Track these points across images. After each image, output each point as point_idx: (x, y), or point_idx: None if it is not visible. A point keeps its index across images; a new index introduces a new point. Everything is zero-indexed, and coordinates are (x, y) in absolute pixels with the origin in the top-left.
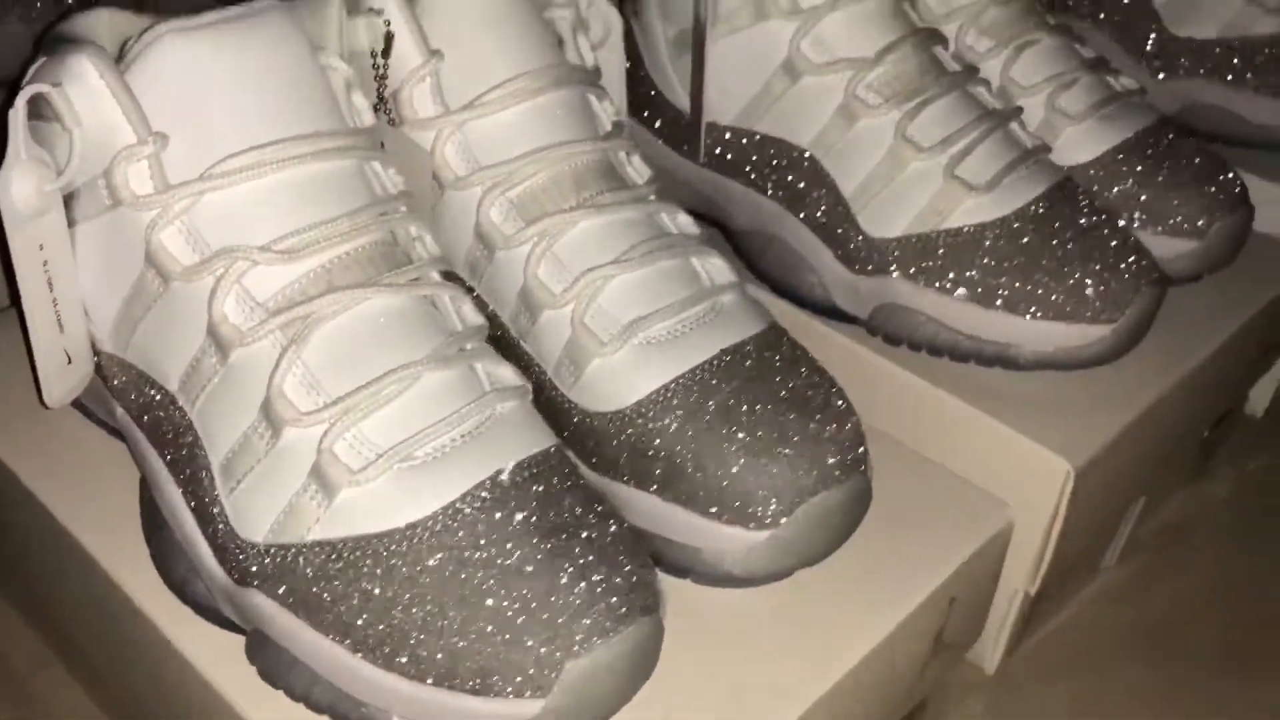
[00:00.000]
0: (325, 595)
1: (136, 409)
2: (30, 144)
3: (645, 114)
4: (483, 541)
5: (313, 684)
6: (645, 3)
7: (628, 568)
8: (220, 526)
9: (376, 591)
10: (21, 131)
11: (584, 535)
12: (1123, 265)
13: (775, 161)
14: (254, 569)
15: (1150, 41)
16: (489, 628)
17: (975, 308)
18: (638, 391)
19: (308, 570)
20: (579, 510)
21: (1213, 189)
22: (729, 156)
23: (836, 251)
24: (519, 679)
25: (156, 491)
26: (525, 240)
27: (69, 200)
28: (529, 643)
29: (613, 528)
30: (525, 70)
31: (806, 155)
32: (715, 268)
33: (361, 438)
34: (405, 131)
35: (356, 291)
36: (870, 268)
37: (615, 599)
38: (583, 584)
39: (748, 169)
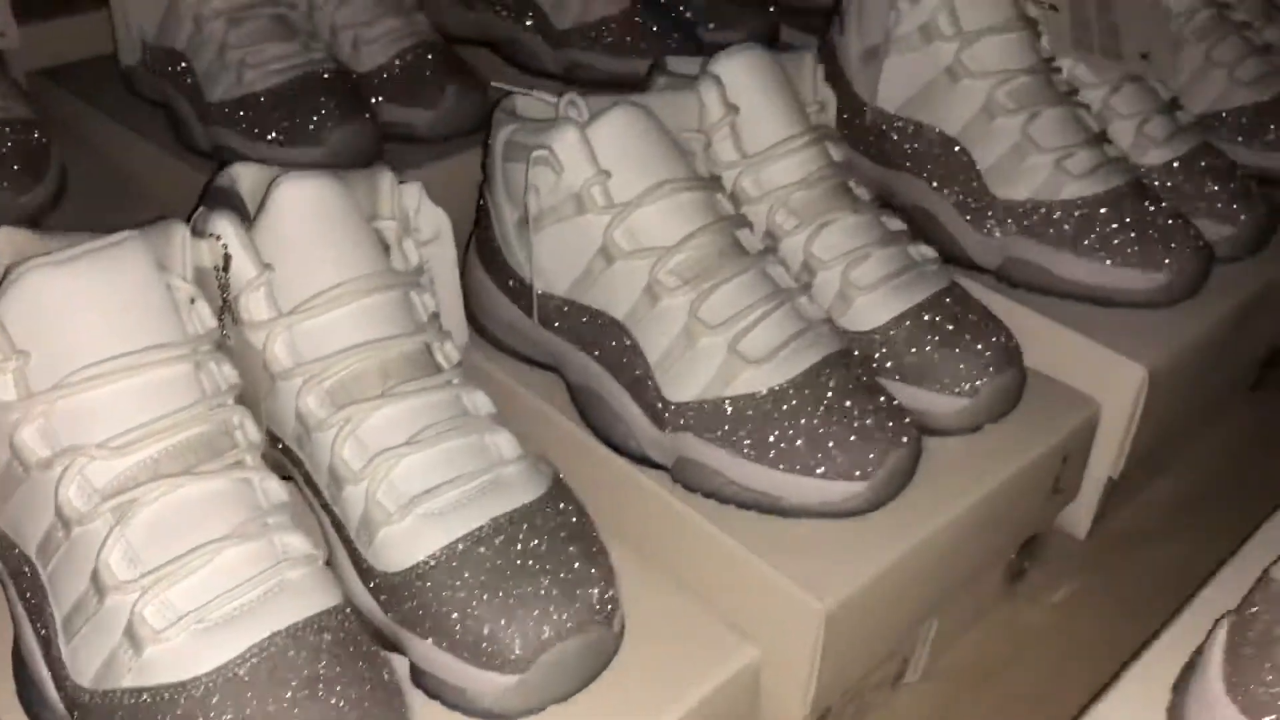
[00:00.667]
0: None
1: (8, 565)
2: None
3: (498, 275)
4: (251, 695)
5: None
6: (494, 187)
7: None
8: (61, 669)
9: None
10: None
11: (346, 688)
12: (878, 428)
13: (598, 330)
14: (83, 705)
15: (974, 201)
16: None
17: (752, 465)
18: (415, 555)
19: (119, 711)
20: (344, 665)
21: (986, 350)
22: (559, 323)
23: (645, 411)
24: None
25: (19, 635)
26: (333, 425)
27: None
28: None
29: (370, 684)
30: (350, 277)
31: (621, 326)
32: (504, 442)
33: (168, 603)
34: (243, 332)
35: (173, 480)
36: (669, 428)
37: None
38: None
39: (576, 334)
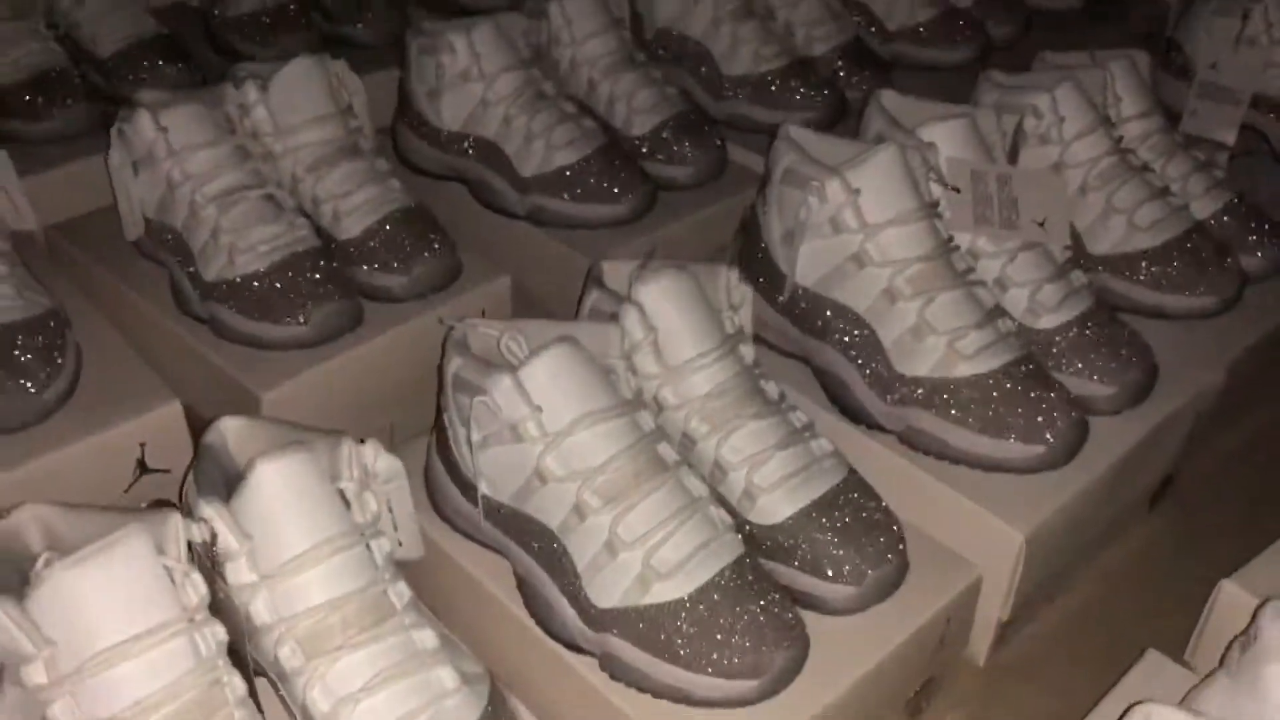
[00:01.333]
0: None
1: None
2: None
3: (454, 476)
4: None
5: None
6: (448, 408)
7: None
8: None
9: None
10: None
11: None
12: (771, 631)
13: (534, 534)
14: None
15: (880, 373)
16: None
17: (665, 664)
18: None
19: None
20: None
21: (870, 546)
22: (502, 524)
23: (575, 610)
24: None
25: None
26: (304, 673)
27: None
28: None
29: None
30: (319, 540)
31: (554, 535)
32: (445, 676)
33: None
34: (229, 591)
35: None
36: (596, 628)
37: None
38: None
39: (517, 533)
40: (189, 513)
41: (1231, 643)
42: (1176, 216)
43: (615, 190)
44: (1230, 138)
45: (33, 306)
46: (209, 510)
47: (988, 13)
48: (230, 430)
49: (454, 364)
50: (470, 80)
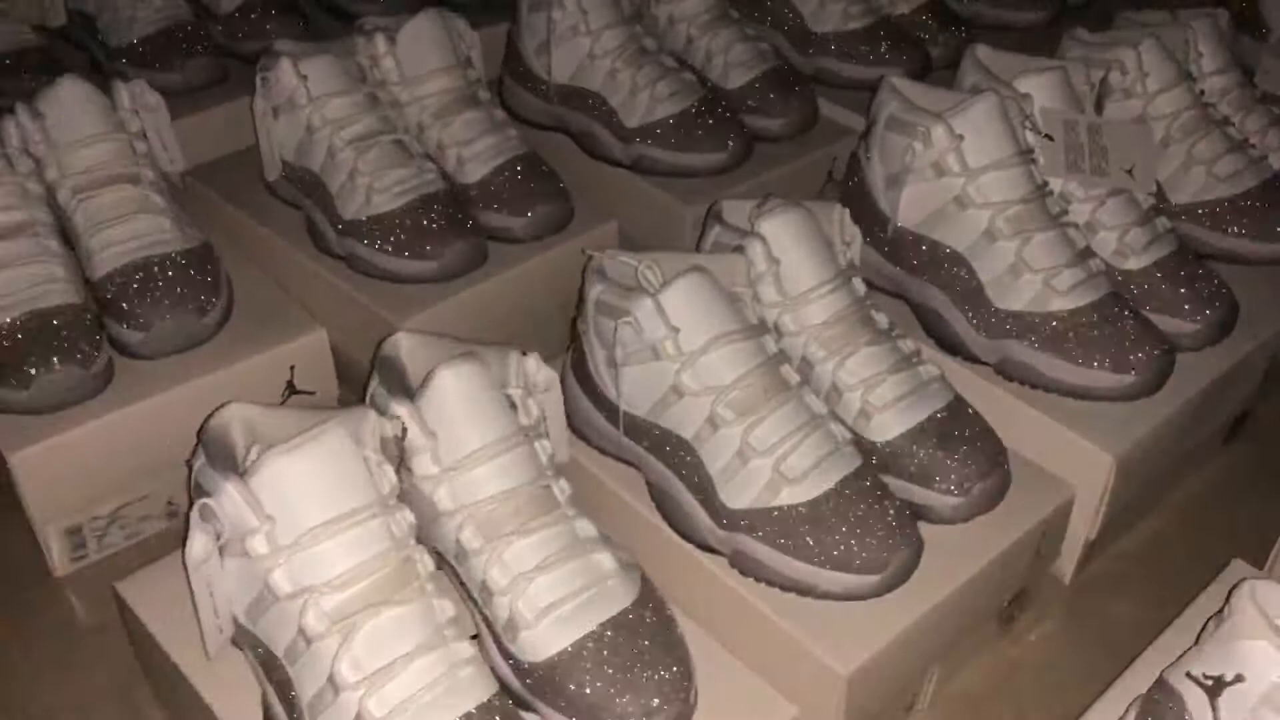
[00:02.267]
0: None
1: (261, 660)
2: (201, 524)
3: (592, 395)
4: None
5: None
6: (588, 331)
7: None
8: None
9: None
10: (196, 519)
11: None
12: (888, 535)
13: (671, 444)
14: None
15: (977, 308)
16: None
17: (792, 560)
18: (549, 651)
19: None
20: None
21: (975, 460)
22: (639, 436)
23: (708, 512)
24: None
25: (270, 706)
26: (483, 553)
27: (222, 549)
28: None
29: None
30: (491, 440)
31: (689, 445)
32: (605, 560)
33: (384, 699)
34: (416, 483)
35: (378, 607)
36: (727, 528)
37: None
38: None
39: (654, 445)
40: (380, 411)
41: (1208, 621)
42: (1255, 167)
43: (715, 140)
44: None
45: (190, 239)
46: (401, 409)
47: None
48: (404, 343)
49: (596, 289)
50: (579, 35)
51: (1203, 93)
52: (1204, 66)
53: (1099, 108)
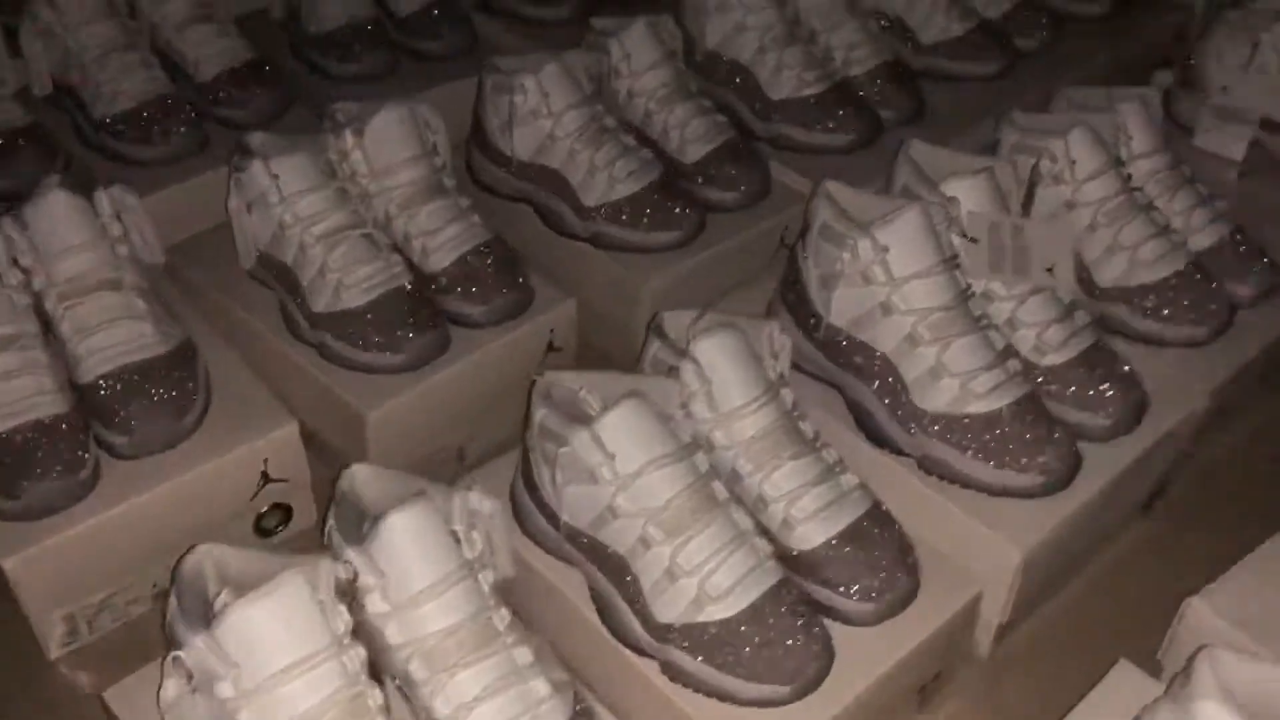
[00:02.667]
0: None
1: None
2: (173, 670)
3: (538, 504)
4: None
5: None
6: (534, 448)
7: None
8: None
9: None
10: (169, 666)
11: None
12: (802, 647)
13: (608, 557)
14: None
15: (901, 407)
16: None
17: (716, 672)
18: None
19: None
20: None
21: (890, 566)
22: (580, 546)
23: (641, 623)
24: None
25: None
26: (429, 684)
27: (194, 689)
28: None
29: None
30: (439, 578)
31: (624, 560)
32: (540, 686)
33: None
34: (368, 619)
35: None
36: (659, 639)
37: None
38: None
39: (593, 555)
40: (335, 555)
41: (1175, 676)
42: (1176, 253)
43: (669, 220)
44: (1239, 154)
45: (169, 339)
46: (352, 554)
47: (1017, 26)
48: (358, 475)
49: (540, 413)
50: (540, 117)
51: (1130, 176)
52: (1134, 149)
53: (1030, 194)
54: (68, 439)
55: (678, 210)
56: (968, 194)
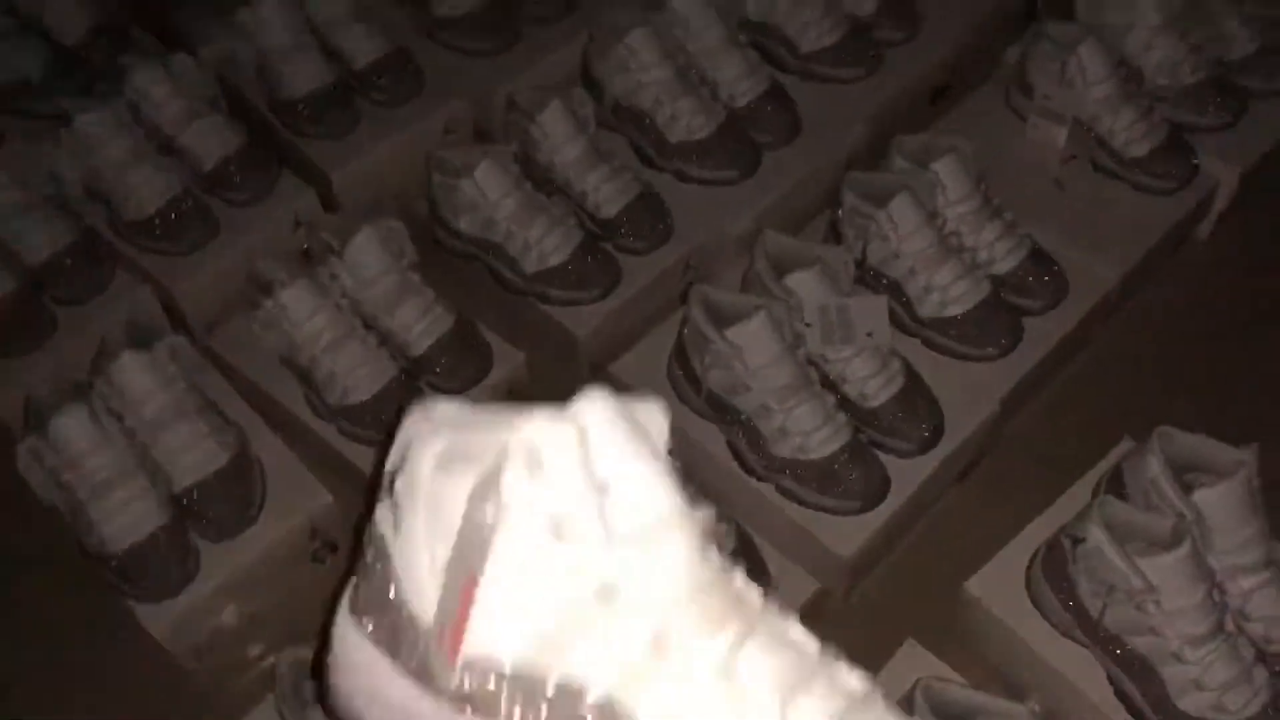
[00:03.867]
0: None
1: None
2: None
3: None
4: None
5: None
6: (411, 516)
7: None
8: None
9: None
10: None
11: None
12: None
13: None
14: None
15: (760, 452)
16: None
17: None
18: None
19: None
20: None
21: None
22: (495, 701)
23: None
24: None
25: None
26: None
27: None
28: None
29: None
30: None
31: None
32: None
33: None
34: None
35: None
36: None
37: None
38: None
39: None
40: None
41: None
42: (979, 286)
43: (594, 279)
44: (1060, 143)
45: (226, 447)
46: None
47: (885, 26)
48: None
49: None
50: (478, 206)
51: (945, 223)
52: (949, 197)
53: (864, 249)
54: (172, 546)
55: (599, 271)
56: (806, 286)
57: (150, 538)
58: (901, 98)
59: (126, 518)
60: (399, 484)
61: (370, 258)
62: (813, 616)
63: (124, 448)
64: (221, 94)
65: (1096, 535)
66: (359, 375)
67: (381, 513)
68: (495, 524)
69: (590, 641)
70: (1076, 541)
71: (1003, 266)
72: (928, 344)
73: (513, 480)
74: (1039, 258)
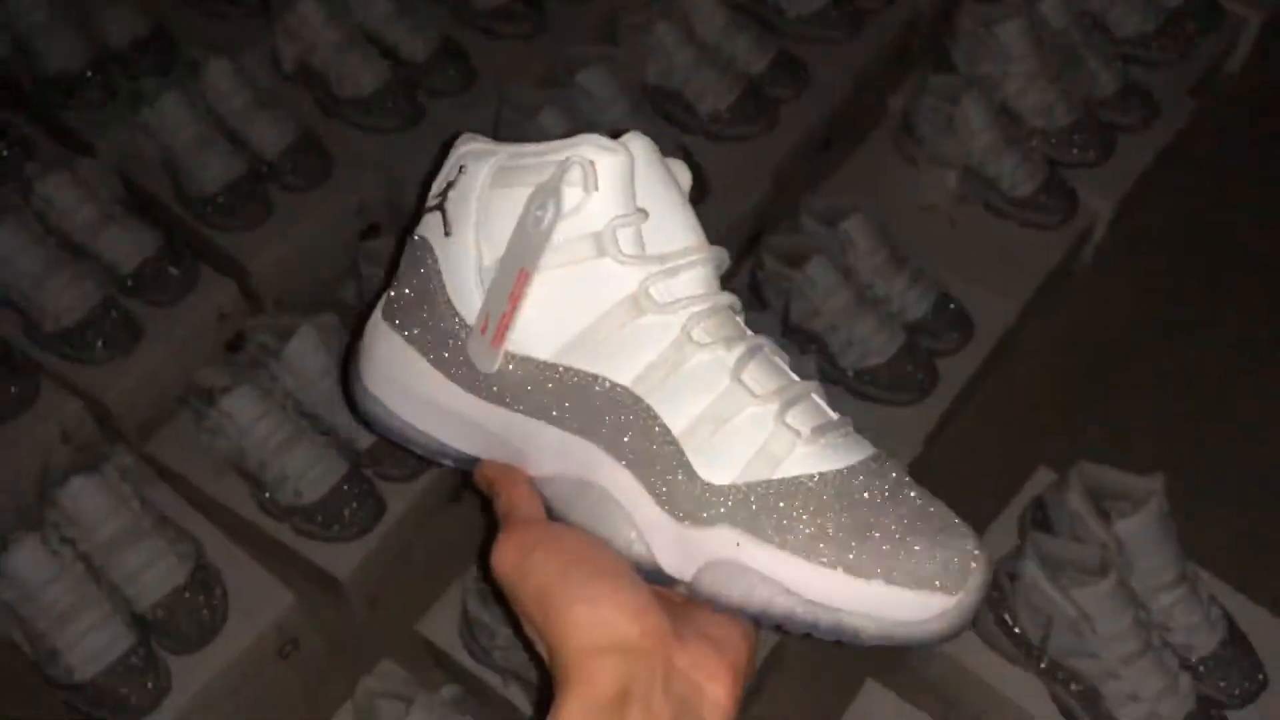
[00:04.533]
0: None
1: (573, 403)
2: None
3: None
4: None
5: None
6: (462, 223)
7: None
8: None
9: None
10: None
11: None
12: (959, 540)
13: (593, 399)
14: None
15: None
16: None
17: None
18: None
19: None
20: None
21: None
22: (531, 389)
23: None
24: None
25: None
26: None
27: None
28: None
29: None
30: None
31: (633, 392)
32: None
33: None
34: None
35: None
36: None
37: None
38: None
39: (555, 408)
40: None
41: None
42: (895, 337)
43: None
44: (951, 185)
45: (185, 559)
46: None
47: (777, 83)
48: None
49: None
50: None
51: (859, 276)
52: (860, 250)
53: (787, 310)
54: (138, 669)
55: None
56: None
57: (118, 661)
58: (799, 151)
59: (92, 645)
60: (452, 194)
61: (309, 358)
62: (773, 664)
63: (81, 574)
64: (127, 192)
65: (1032, 571)
66: (310, 476)
67: (429, 222)
68: (551, 226)
69: (621, 342)
70: (1014, 578)
71: (914, 313)
72: (851, 392)
73: (570, 190)
74: (945, 301)
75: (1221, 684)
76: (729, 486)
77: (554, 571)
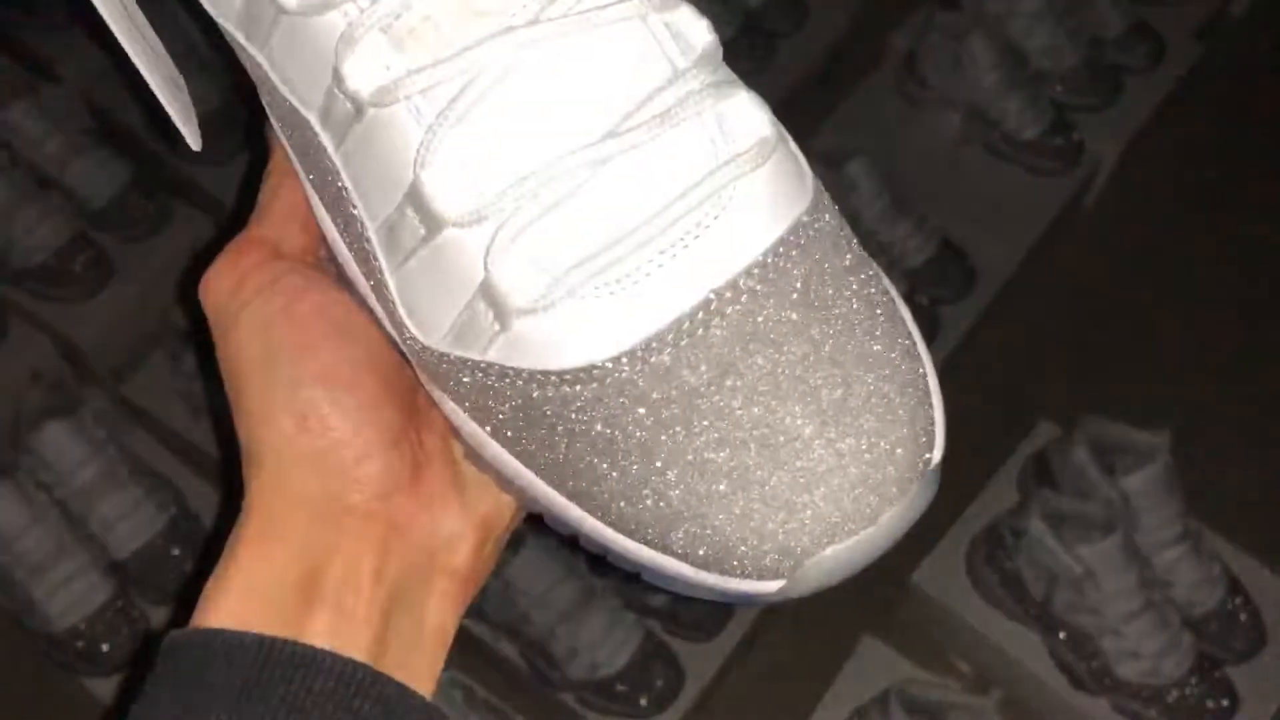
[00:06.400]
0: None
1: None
2: None
3: None
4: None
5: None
6: None
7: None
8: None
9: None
10: None
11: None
12: None
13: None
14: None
15: None
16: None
17: None
18: None
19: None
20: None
21: None
22: None
23: None
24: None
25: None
26: None
27: None
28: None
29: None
30: None
31: None
32: None
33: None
34: None
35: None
36: None
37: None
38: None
39: None
40: None
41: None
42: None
43: None
44: (955, 126)
45: (163, 508)
46: None
47: (775, 18)
48: None
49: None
50: None
51: (861, 222)
52: (863, 196)
53: None
54: (122, 611)
55: None
56: None
57: (98, 612)
58: (794, 89)
59: (71, 594)
60: None
61: None
62: (771, 611)
63: (57, 520)
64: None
65: (1038, 528)
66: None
67: None
68: None
69: None
70: (1018, 534)
71: (914, 260)
72: None
73: None
74: (946, 248)
75: (1222, 641)
76: None
77: (274, 343)
